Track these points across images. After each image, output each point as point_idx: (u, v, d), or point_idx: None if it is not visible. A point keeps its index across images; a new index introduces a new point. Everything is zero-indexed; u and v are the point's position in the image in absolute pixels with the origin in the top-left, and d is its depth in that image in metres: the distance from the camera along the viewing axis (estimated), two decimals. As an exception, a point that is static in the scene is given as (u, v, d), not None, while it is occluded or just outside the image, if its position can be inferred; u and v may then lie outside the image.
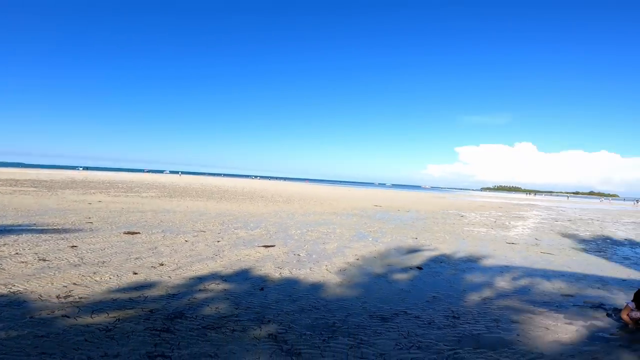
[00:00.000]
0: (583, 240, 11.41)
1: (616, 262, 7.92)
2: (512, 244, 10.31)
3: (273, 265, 6.33)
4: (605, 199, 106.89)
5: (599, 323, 4.17)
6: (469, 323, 4.05)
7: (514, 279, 6.27)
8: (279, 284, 5.25)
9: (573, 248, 9.78)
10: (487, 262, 7.65)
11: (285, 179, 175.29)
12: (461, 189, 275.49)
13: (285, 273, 5.86)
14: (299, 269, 6.15)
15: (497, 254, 8.56)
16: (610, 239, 12.18)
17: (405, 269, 6.62)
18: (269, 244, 8.14)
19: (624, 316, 3.92)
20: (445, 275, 6.34)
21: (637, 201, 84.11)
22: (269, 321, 3.77)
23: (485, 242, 10.37)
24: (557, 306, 4.80)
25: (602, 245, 10.43)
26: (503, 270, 6.93)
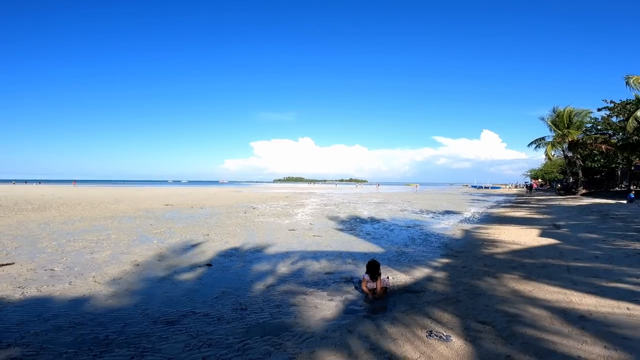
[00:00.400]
0: (342, 221, 14.41)
1: (362, 238, 10.35)
2: (293, 230, 11.79)
3: (11, 285, 5.02)
4: (359, 184, 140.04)
5: (350, 296, 5.02)
6: (255, 313, 4.26)
7: (292, 263, 7.07)
8: (21, 305, 4.24)
9: (335, 229, 12.16)
10: (272, 251, 8.34)
11: (42, 181, 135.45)
12: (256, 181, 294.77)
13: (32, 292, 4.77)
14: (53, 285, 5.08)
15: (280, 242, 9.52)
16: (360, 218, 15.95)
17: (193, 268, 6.43)
18: (4, 263, 6.10)
19: (364, 287, 4.98)
20: (234, 268, 6.51)
21: (378, 185, 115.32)
22: (9, 345, 3.15)
23: (272, 232, 11.38)
24: (323, 284, 5.62)
25: (354, 224, 13.50)
26: (284, 256, 7.69)
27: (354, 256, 7.74)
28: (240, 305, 4.55)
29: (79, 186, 72.98)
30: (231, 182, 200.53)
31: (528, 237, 8.96)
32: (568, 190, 37.19)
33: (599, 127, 37.15)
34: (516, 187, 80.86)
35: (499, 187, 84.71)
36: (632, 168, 31.55)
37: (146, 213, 16.56)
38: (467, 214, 17.86)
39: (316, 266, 6.86)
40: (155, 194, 37.04)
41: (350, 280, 5.81)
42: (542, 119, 37.46)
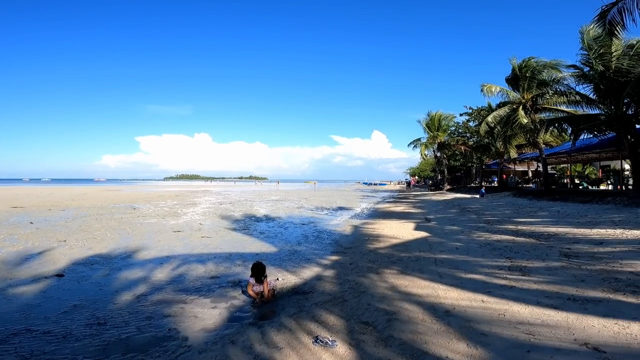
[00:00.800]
0: (236, 220, 13.74)
1: (255, 237, 9.96)
2: (179, 231, 10.70)
3: None
4: (258, 182, 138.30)
5: (237, 302, 4.72)
6: (117, 327, 3.69)
7: (173, 268, 6.37)
8: None
9: (227, 228, 11.47)
10: (149, 255, 7.46)
11: None
12: (143, 179, 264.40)
13: None
14: None
15: (161, 245, 8.54)
16: (255, 216, 15.49)
17: (37, 279, 5.41)
18: None
19: (250, 292, 4.67)
20: (94, 278, 5.64)
21: (278, 182, 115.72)
22: None
23: (152, 235, 10.11)
24: (206, 290, 5.16)
25: (248, 223, 12.99)
26: (163, 261, 6.93)
27: (244, 257, 7.32)
28: (97, 319, 3.89)
29: None
30: (110, 181, 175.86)
31: (405, 231, 9.92)
32: (437, 186, 43.60)
33: (460, 131, 44.50)
34: (399, 184, 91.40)
35: (385, 184, 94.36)
36: (483, 166, 38.69)
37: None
38: (358, 210, 19.13)
39: (201, 270, 6.28)
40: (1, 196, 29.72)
41: (239, 284, 5.46)
42: (419, 121, 43.03)
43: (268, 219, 14.52)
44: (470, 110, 41.64)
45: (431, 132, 41.00)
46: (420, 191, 43.48)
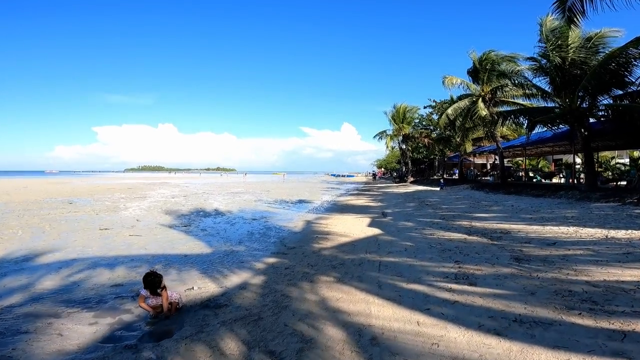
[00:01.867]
0: (180, 216, 12.55)
1: (193, 235, 8.89)
2: (106, 229, 9.47)
3: None
4: (224, 174, 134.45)
5: (127, 317, 3.92)
6: None
7: (71, 274, 5.44)
8: None
9: (165, 225, 10.32)
10: (53, 258, 6.44)
11: None
12: (101, 171, 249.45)
13: None
14: None
15: (75, 245, 7.45)
16: (204, 211, 14.33)
17: None
18: None
19: (141, 305, 3.80)
20: None
21: (245, 174, 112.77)
22: None
23: (72, 233, 8.88)
24: (96, 302, 4.31)
25: (193, 219, 11.86)
26: (65, 265, 5.95)
27: (169, 260, 6.36)
28: None
29: None
30: (63, 172, 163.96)
31: (358, 228, 9.30)
32: (401, 178, 44.01)
33: (423, 123, 45.02)
34: (366, 175, 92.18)
35: (353, 176, 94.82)
36: (445, 159, 39.37)
37: None
38: (317, 203, 18.43)
39: (105, 277, 5.33)
40: None
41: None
42: (385, 113, 42.95)
43: (217, 213, 13.44)
44: (434, 103, 42.13)
45: (396, 124, 41.08)
46: (385, 183, 43.69)
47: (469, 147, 27.70)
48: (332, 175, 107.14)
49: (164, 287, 3.84)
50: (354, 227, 9.41)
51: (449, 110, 24.60)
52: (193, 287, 4.76)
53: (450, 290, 4.09)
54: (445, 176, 38.25)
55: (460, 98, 26.10)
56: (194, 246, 7.61)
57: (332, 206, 16.56)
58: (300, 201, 19.61)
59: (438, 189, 24.12)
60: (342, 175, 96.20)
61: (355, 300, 3.96)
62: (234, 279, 5.17)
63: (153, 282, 3.76)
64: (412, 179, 41.13)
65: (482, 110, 20.37)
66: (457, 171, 38.51)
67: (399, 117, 40.96)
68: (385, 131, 43.40)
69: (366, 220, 10.82)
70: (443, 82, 24.46)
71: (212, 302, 4.20)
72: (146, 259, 6.41)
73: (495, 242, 6.60)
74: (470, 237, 7.20)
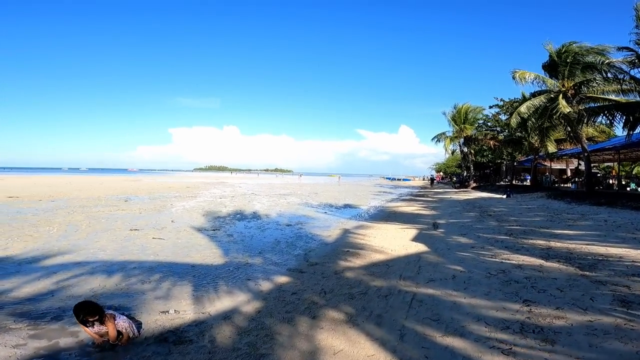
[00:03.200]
0: (216, 218, 12.13)
1: (216, 241, 8.20)
2: (136, 230, 9.25)
3: None
4: (280, 174, 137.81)
5: (66, 341, 3.25)
6: None
7: (58, 281, 4.93)
8: None
9: (194, 228, 9.86)
10: (56, 260, 6.08)
11: None
12: (173, 170, 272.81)
13: None
14: None
15: (92, 246, 7.20)
16: (242, 213, 13.84)
17: None
18: None
19: (85, 329, 3.01)
20: None
21: (300, 175, 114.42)
22: None
23: (102, 232, 8.78)
24: (52, 317, 3.68)
25: (226, 222, 11.33)
26: (62, 269, 5.52)
27: (171, 270, 5.66)
28: None
29: None
30: (142, 171, 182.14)
31: (399, 242, 7.84)
32: (462, 183, 40.30)
33: (489, 124, 40.78)
34: (423, 179, 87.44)
35: (409, 180, 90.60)
36: (515, 163, 35.11)
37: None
38: (364, 209, 17.05)
39: (89, 286, 4.77)
40: (14, 184, 30.04)
41: (117, 309, 3.79)
42: (444, 113, 39.69)
43: (254, 217, 12.81)
44: (502, 102, 37.87)
45: (457, 125, 37.72)
46: (443, 189, 40.37)
47: (552, 148, 23.69)
48: (386, 178, 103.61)
49: (107, 316, 2.99)
50: (395, 241, 7.95)
51: (522, 108, 21.55)
52: (169, 311, 3.88)
53: (511, 352, 2.62)
54: (514, 182, 34.07)
55: (534, 95, 22.85)
56: (209, 255, 6.85)
57: (378, 213, 15.06)
58: (346, 206, 18.37)
59: (504, 196, 21.13)
60: (398, 179, 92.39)
61: (358, 358, 2.69)
62: (225, 303, 4.19)
63: (83, 312, 2.93)
64: (474, 185, 37.40)
65: (565, 107, 17.25)
66: (529, 177, 34.11)
67: (460, 117, 37.53)
68: (444, 133, 40.09)
69: (412, 232, 9.25)
70: (513, 78, 21.50)
71: (176, 335, 3.26)
72: (148, 268, 5.76)
73: (587, 273, 4.76)
74: (548, 264, 5.40)
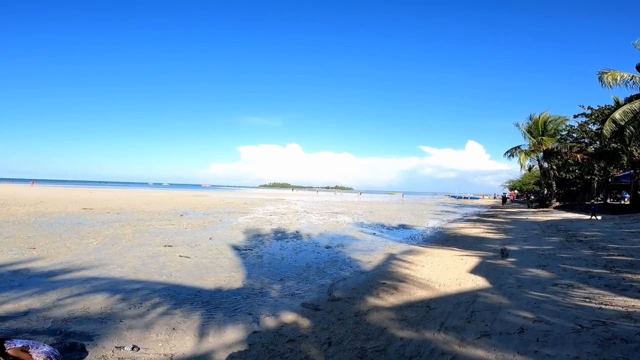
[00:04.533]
0: (255, 236, 11.59)
1: (242, 263, 7.50)
2: (169, 246, 9.04)
3: None
4: (339, 192, 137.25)
5: None
6: None
7: (52, 299, 4.57)
8: None
9: (229, 246, 9.38)
10: (71, 275, 5.92)
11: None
12: (241, 186, 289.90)
13: None
14: None
15: (116, 262, 7.05)
16: (284, 232, 13.16)
17: None
18: None
19: None
20: None
21: (360, 193, 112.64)
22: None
23: (139, 247, 8.81)
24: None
25: (262, 241, 10.69)
26: (67, 284, 5.25)
27: (173, 295, 5.07)
28: None
29: (38, 186, 68.64)
30: (213, 187, 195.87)
31: (453, 274, 6.30)
32: (542, 202, 35.26)
33: (574, 135, 35.44)
34: (495, 198, 79.57)
35: (477, 198, 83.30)
36: (609, 180, 29.72)
37: (36, 217, 13.53)
38: (419, 230, 15.27)
39: (76, 307, 4.33)
40: (100, 197, 33.60)
41: (81, 335, 3.34)
42: (517, 125, 35.46)
43: (295, 236, 12.01)
44: (590, 111, 32.68)
45: (534, 137, 33.35)
46: (518, 208, 35.69)
47: None
48: (452, 196, 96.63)
49: (12, 350, 2.30)
50: (448, 272, 6.43)
51: (617, 115, 18.12)
52: (124, 347, 3.13)
53: None
54: (608, 201, 28.70)
55: (630, 99, 19.18)
56: (225, 279, 6.12)
57: (435, 235, 13.24)
58: (400, 226, 16.71)
59: (599, 218, 17.48)
60: (465, 197, 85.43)
61: None
62: (200, 344, 3.35)
63: None
64: (557, 204, 32.36)
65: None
66: (628, 195, 28.51)
67: (538, 129, 33.12)
68: (518, 147, 35.61)
69: (472, 261, 7.55)
70: (600, 80, 18.30)
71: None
72: (152, 290, 5.19)
73: None
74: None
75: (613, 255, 7.41)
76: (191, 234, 11.58)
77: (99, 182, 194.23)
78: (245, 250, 9.10)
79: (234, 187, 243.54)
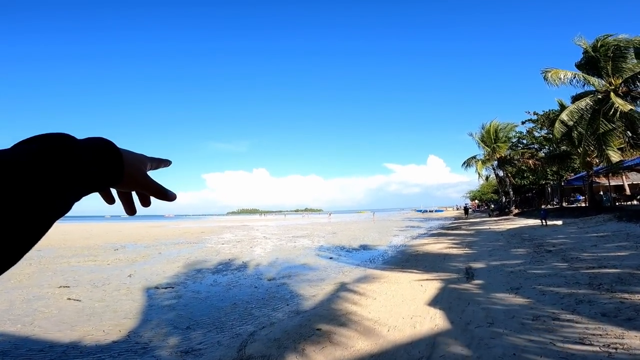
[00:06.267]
0: (190, 270, 9.72)
1: (148, 305, 5.86)
2: (65, 287, 7.21)
3: None
4: (307, 214, 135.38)
5: None
6: None
7: None
8: None
9: (146, 284, 7.54)
10: None
11: None
12: (207, 214, 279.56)
13: None
14: None
15: None
16: (227, 263, 11.38)
17: None
18: None
19: None
20: None
21: (330, 214, 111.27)
22: None
23: (29, 287, 6.54)
24: None
25: (192, 277, 8.88)
26: None
27: (12, 348, 3.18)
28: None
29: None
30: (178, 216, 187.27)
31: (410, 308, 4.96)
32: (502, 210, 35.78)
33: (524, 141, 36.62)
34: (457, 209, 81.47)
35: (441, 211, 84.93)
36: (562, 183, 30.57)
37: None
38: (380, 250, 14.04)
39: None
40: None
41: None
42: (471, 134, 36.19)
43: (237, 268, 10.27)
44: (535, 116, 33.88)
45: (487, 146, 34.08)
46: (480, 217, 35.95)
47: (615, 157, 19.30)
48: (417, 210, 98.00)
49: None
50: (403, 307, 5.07)
51: (564, 116, 18.34)
52: None
53: None
54: (564, 204, 29.38)
55: (576, 98, 19.63)
56: (108, 329, 4.47)
57: (396, 255, 12.01)
58: (362, 247, 15.40)
59: (559, 222, 17.23)
60: (430, 211, 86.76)
61: None
62: None
63: None
64: (516, 211, 32.85)
65: (624, 105, 13.97)
66: (581, 197, 29.40)
67: (490, 137, 33.93)
68: (474, 157, 36.26)
69: (433, 286, 6.26)
70: (545, 79, 18.59)
71: None
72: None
73: None
74: None
75: (593, 267, 6.43)
76: (110, 271, 9.57)
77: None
78: (165, 289, 7.34)
79: (200, 215, 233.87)
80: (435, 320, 4.24)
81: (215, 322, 5.09)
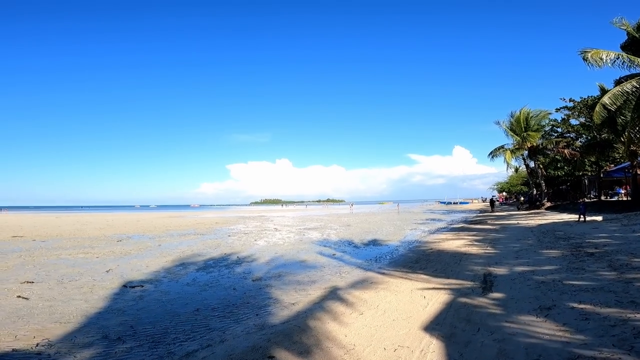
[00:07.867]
0: (178, 265, 8.97)
1: (105, 306, 5.06)
2: (30, 282, 6.47)
3: None
4: (327, 205, 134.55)
5: None
6: None
7: None
8: None
9: (122, 279, 6.76)
10: None
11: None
12: (232, 205, 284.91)
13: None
14: None
15: None
16: (221, 258, 10.61)
17: None
18: None
19: None
20: None
21: (352, 205, 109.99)
22: None
23: None
24: None
25: (176, 272, 8.08)
26: None
27: None
28: None
29: (7, 213, 64.38)
30: (202, 206, 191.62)
31: (400, 332, 3.81)
32: (532, 203, 33.23)
33: (559, 130, 33.69)
34: (484, 201, 77.93)
35: (467, 203, 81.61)
36: (601, 175, 27.79)
37: None
38: (391, 246, 12.79)
39: None
40: (58, 222, 30.37)
41: None
42: (498, 123, 33.62)
43: (229, 264, 9.39)
44: (571, 103, 30.90)
45: (517, 135, 31.53)
46: (507, 211, 33.56)
47: None
48: (441, 202, 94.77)
49: None
50: (392, 329, 3.90)
51: (605, 99, 16.16)
52: None
53: None
54: (602, 198, 26.70)
55: (619, 82, 17.38)
56: (27, 333, 3.61)
57: (407, 253, 10.74)
58: (371, 242, 14.19)
59: (599, 218, 15.25)
60: (454, 203, 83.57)
61: None
62: None
63: None
64: (548, 204, 30.31)
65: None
66: (621, 191, 26.61)
67: (520, 125, 31.32)
68: (502, 146, 33.69)
69: (438, 300, 5.01)
70: (584, 59, 16.44)
71: None
72: None
73: None
74: None
75: (645, 278, 4.96)
76: (92, 265, 8.99)
77: (81, 206, 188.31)
78: (134, 287, 6.59)
79: (224, 205, 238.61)
80: (425, 357, 3.05)
81: (157, 333, 4.21)
